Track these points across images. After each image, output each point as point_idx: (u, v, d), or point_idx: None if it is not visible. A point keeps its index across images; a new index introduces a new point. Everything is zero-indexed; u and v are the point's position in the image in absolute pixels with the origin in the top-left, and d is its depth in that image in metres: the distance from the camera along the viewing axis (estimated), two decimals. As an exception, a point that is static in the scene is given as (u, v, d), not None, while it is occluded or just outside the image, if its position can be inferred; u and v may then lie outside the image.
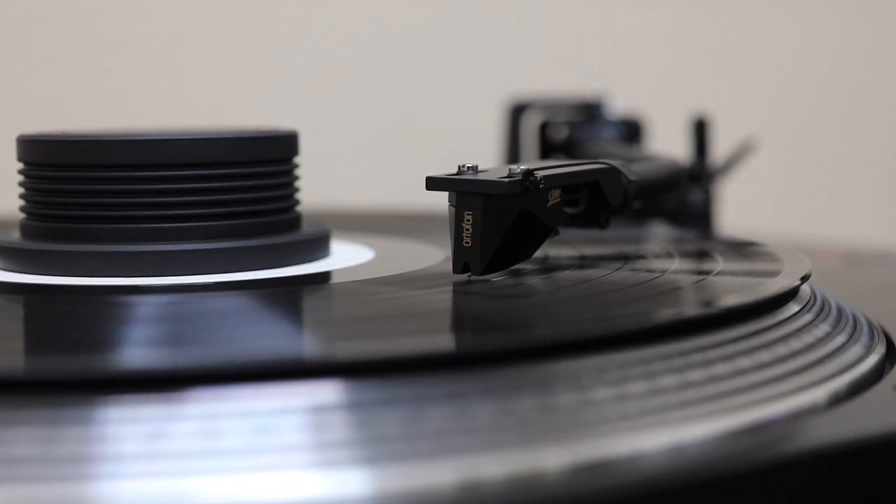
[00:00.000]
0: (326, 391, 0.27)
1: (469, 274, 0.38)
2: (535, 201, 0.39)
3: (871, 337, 0.37)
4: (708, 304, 0.36)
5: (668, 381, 0.30)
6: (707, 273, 0.41)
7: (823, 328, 0.35)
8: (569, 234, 0.45)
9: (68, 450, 0.25)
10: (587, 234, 0.45)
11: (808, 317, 0.36)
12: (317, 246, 0.44)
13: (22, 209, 0.44)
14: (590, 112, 0.67)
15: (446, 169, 0.39)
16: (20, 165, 0.44)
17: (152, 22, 0.79)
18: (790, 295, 0.37)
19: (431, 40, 0.86)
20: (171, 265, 0.40)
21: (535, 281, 0.40)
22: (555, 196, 0.40)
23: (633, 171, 0.43)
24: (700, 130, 0.64)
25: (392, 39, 0.85)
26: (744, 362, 0.32)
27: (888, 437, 0.29)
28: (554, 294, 0.38)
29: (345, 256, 0.45)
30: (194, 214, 0.41)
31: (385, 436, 0.26)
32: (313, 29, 0.83)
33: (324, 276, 0.42)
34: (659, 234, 0.55)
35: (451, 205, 0.38)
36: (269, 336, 0.33)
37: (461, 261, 0.38)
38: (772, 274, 0.39)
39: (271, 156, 0.44)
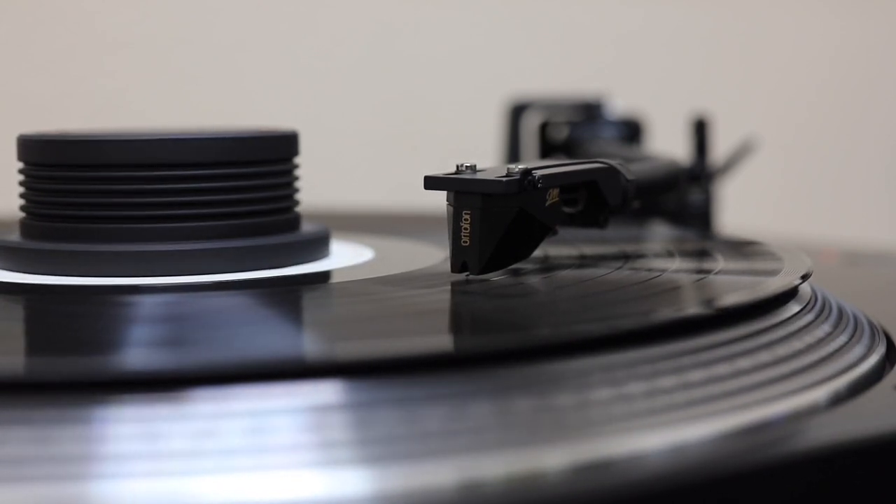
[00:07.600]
0: (326, 391, 0.27)
1: (467, 273, 0.38)
2: (533, 201, 0.39)
3: (872, 337, 0.37)
4: (708, 303, 0.36)
5: (669, 381, 0.30)
6: (707, 272, 0.41)
7: (824, 329, 0.35)
8: (569, 233, 0.45)
9: (68, 450, 0.25)
10: (587, 233, 0.45)
11: (809, 317, 0.36)
12: (316, 246, 0.44)
13: (22, 209, 0.44)
14: (590, 112, 0.67)
15: (446, 169, 0.39)
16: (20, 165, 0.44)
17: (152, 22, 0.79)
18: (791, 293, 0.37)
19: (431, 40, 0.86)
20: (171, 265, 0.40)
21: (535, 280, 0.40)
22: (553, 195, 0.40)
23: (632, 171, 0.43)
24: (700, 130, 0.64)
25: (392, 39, 0.85)
26: (745, 362, 0.32)
27: (888, 437, 0.29)
28: (553, 294, 0.38)
29: (344, 256, 0.45)
30: (194, 214, 0.41)
31: (385, 436, 0.26)
32: (313, 29, 0.83)
33: (323, 276, 0.42)
34: (659, 233, 0.55)
35: (449, 204, 0.38)
36: (269, 336, 0.33)
37: (459, 260, 0.38)
38: (772, 273, 0.39)
39: (271, 156, 0.44)
